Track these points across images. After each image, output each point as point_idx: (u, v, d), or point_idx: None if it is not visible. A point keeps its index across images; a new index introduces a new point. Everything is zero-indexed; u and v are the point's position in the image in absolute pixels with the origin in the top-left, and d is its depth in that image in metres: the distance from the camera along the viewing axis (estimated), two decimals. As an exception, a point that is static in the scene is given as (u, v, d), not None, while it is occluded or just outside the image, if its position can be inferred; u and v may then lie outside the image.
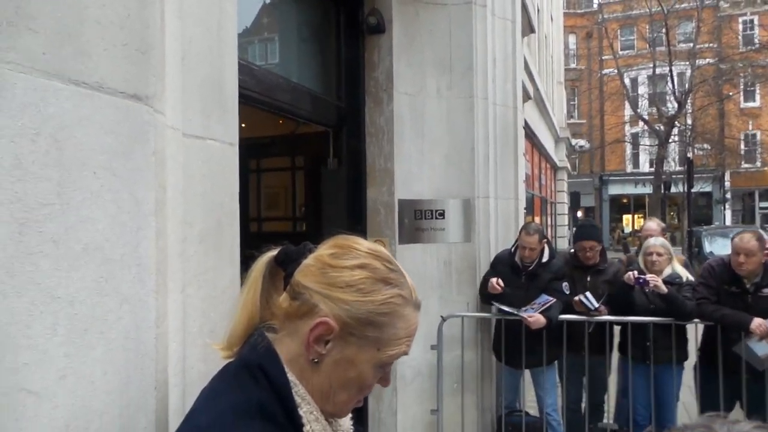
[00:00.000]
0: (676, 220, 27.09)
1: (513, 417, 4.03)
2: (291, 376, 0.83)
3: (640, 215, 28.88)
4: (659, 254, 3.78)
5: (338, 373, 0.84)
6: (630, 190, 28.91)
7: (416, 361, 3.97)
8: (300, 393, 0.83)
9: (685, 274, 3.83)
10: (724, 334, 3.57)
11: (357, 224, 3.78)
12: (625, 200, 30.29)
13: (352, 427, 0.97)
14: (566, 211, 19.24)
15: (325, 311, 0.82)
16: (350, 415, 0.99)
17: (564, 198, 18.77)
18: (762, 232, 3.98)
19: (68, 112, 0.89)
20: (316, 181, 3.74)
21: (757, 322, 3.42)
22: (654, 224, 4.82)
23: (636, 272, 3.68)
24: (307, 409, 0.82)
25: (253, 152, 4.01)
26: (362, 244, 0.89)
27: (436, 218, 3.98)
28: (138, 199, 0.98)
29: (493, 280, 3.82)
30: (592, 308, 3.76)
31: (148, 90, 1.01)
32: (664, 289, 3.60)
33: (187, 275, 1.23)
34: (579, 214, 27.95)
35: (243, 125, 4.42)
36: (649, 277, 3.62)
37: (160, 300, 0.99)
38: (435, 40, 4.01)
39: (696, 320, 3.70)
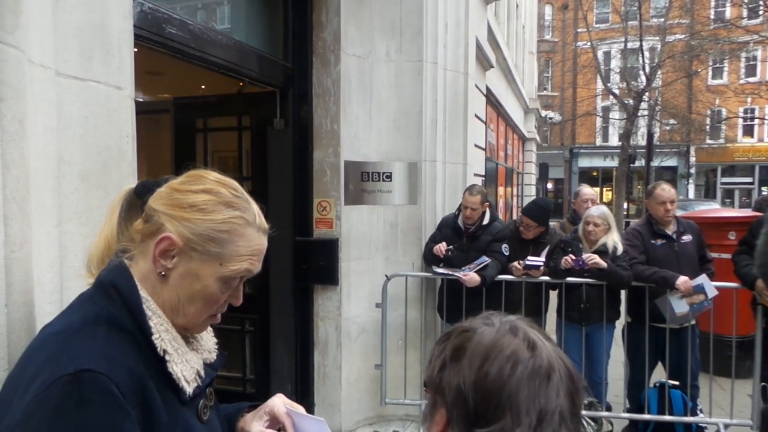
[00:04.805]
0: (642, 194, 27.75)
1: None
2: (143, 292, 0.91)
3: (608, 188, 29.51)
4: (596, 224, 3.91)
5: (184, 286, 0.92)
6: (599, 163, 29.41)
7: (361, 318, 4.10)
8: (151, 307, 0.91)
9: (620, 245, 3.91)
10: (651, 290, 3.78)
11: (303, 184, 3.83)
12: (594, 173, 30.77)
13: (216, 348, 1.06)
14: (534, 182, 19.54)
15: (169, 229, 0.91)
16: (213, 337, 1.07)
17: (532, 169, 19.00)
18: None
19: None
20: (263, 142, 3.76)
21: (681, 279, 3.63)
22: (588, 189, 4.96)
23: (572, 256, 3.82)
24: (158, 321, 0.90)
25: (199, 111, 3.99)
26: (212, 174, 0.98)
27: (383, 180, 4.05)
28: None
29: (441, 245, 3.94)
30: (540, 266, 3.90)
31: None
32: (603, 264, 3.75)
33: (67, 211, 1.28)
34: (549, 185, 28.35)
35: (203, 86, 4.34)
36: (585, 257, 3.78)
37: (16, 227, 1.04)
38: (384, 2, 4.02)
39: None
